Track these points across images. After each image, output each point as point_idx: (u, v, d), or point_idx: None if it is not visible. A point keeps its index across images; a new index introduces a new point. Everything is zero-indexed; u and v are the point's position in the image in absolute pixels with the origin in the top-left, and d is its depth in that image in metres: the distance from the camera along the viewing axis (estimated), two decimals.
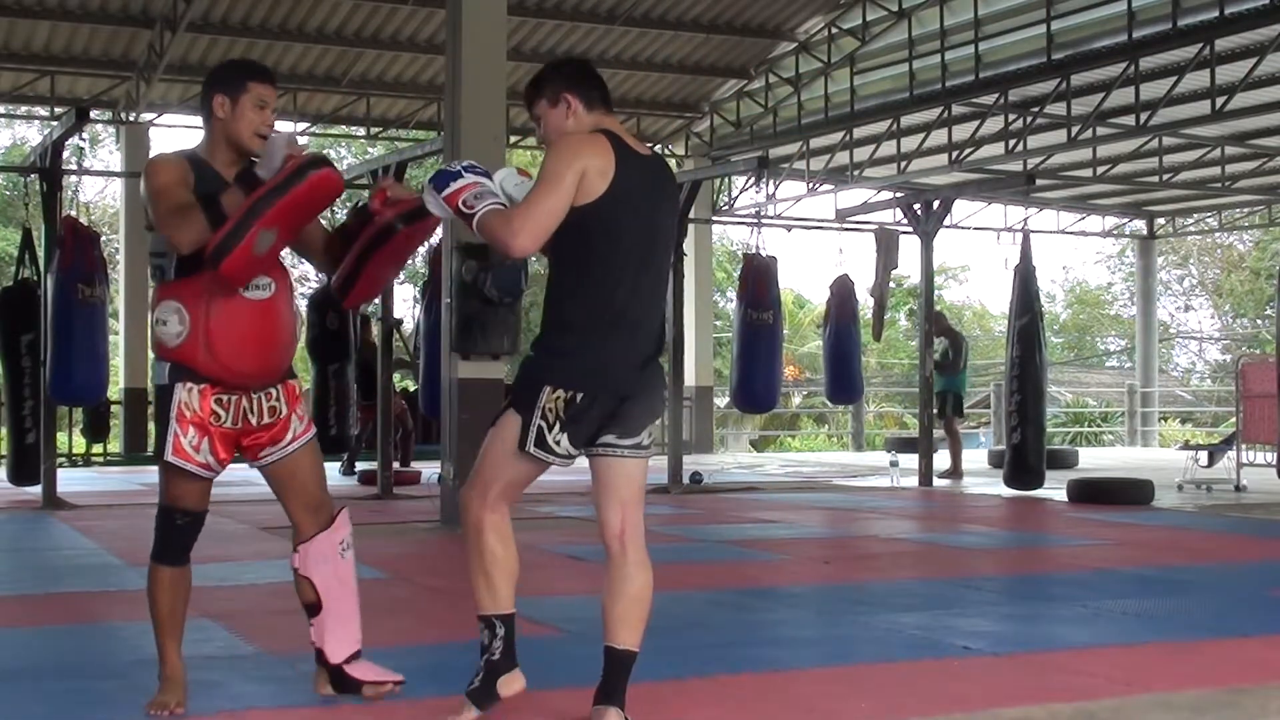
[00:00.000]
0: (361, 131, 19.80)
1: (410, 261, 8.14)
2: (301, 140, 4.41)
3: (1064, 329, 37.14)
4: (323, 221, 4.12)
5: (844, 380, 13.96)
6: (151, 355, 3.93)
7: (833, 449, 24.08)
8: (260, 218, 3.58)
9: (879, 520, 9.99)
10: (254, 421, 3.84)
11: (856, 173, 19.00)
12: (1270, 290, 30.21)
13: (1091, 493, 11.10)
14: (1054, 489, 11.67)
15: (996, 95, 16.02)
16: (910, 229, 13.54)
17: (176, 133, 32.50)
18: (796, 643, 5.20)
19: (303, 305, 12.51)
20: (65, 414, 15.72)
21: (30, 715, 3.90)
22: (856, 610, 5.82)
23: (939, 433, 13.97)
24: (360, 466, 13.75)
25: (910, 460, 13.79)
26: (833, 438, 26.13)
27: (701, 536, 8.71)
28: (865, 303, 14.46)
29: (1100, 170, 19.04)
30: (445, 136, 9.49)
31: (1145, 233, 24.90)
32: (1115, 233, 25.92)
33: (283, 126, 5.91)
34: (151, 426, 18.31)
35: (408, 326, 13.65)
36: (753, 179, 19.33)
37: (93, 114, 12.78)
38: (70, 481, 12.23)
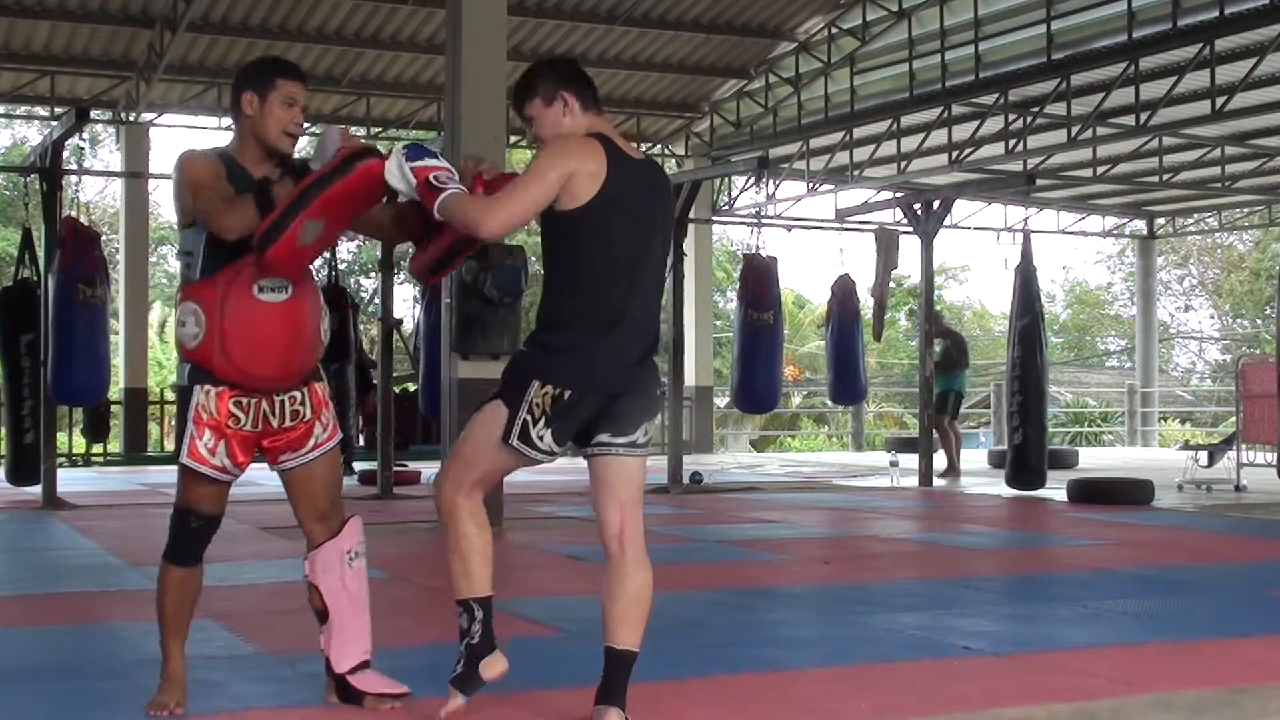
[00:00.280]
0: (362, 131, 19.78)
1: None
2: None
3: (1064, 329, 37.13)
4: None
5: (848, 380, 13.92)
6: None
7: (833, 449, 24.08)
8: (305, 208, 3.57)
9: (879, 520, 9.98)
10: (275, 424, 3.81)
11: (856, 173, 18.99)
12: (1270, 290, 30.21)
13: (1091, 493, 11.09)
14: (1054, 489, 11.66)
15: (996, 95, 16.01)
16: (910, 229, 13.53)
17: (176, 133, 32.65)
18: (796, 643, 5.20)
19: None
20: (65, 414, 15.71)
21: (30, 715, 3.90)
22: (856, 610, 5.82)
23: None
24: (360, 466, 13.75)
25: (910, 460, 13.78)
26: (833, 438, 26.14)
27: (701, 536, 8.71)
28: (865, 303, 14.46)
29: (1100, 170, 19.03)
30: (445, 136, 9.49)
31: (1145, 233, 24.89)
32: (1115, 233, 25.91)
33: None
34: (151, 426, 18.35)
35: (408, 326, 13.66)
36: (753, 179, 19.32)
37: (93, 114, 12.80)
38: (70, 481, 12.22)
